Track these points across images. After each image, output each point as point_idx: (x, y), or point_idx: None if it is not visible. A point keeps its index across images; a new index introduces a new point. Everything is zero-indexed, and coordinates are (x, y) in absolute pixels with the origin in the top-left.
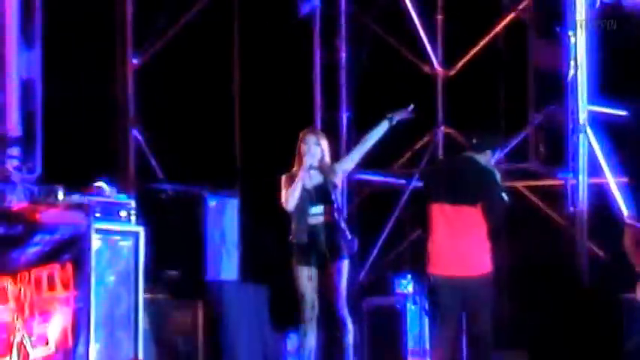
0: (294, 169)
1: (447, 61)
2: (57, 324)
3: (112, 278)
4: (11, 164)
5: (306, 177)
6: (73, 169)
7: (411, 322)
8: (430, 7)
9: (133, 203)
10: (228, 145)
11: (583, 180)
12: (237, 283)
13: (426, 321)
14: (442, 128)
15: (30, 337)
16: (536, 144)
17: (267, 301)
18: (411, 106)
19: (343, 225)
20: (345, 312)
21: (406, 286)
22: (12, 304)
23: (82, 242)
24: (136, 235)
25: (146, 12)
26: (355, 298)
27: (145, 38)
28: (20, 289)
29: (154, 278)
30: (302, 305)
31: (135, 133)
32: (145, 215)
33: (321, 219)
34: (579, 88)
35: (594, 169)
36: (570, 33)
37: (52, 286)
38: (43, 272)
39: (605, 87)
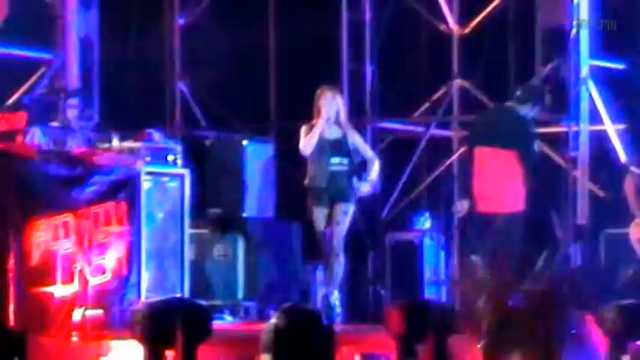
0: (313, 121)
1: (462, 20)
2: (112, 255)
3: (160, 215)
4: (71, 113)
5: (325, 127)
6: (126, 118)
7: (428, 255)
8: None
9: (179, 148)
10: (264, 96)
11: (584, 127)
12: (272, 220)
13: (442, 254)
14: (457, 81)
15: (89, 267)
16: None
17: (299, 236)
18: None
19: (355, 176)
20: (339, 246)
21: (424, 223)
22: (73, 237)
23: (134, 183)
24: (182, 176)
25: None
26: (378, 234)
27: (189, 1)
28: (80, 224)
29: (198, 215)
30: (321, 241)
31: (181, 85)
32: (190, 159)
33: (338, 168)
34: (582, 44)
35: (594, 117)
36: None
37: (108, 222)
38: (100, 209)
39: (605, 43)
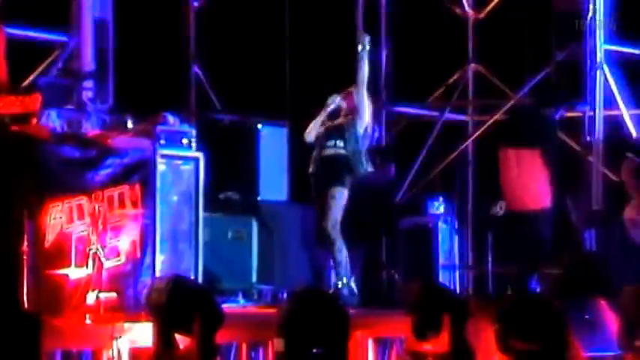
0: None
1: (478, 5)
2: (127, 238)
3: (175, 198)
4: (86, 95)
5: (325, 113)
6: (141, 101)
7: (442, 239)
8: None
9: (193, 132)
10: (278, 80)
11: (599, 112)
12: (286, 203)
13: (456, 238)
14: (472, 65)
15: (103, 249)
16: (558, 79)
17: (313, 219)
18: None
19: (355, 158)
20: (334, 232)
21: (438, 207)
22: (88, 219)
23: (148, 166)
24: (196, 160)
25: None
26: (393, 218)
27: None
28: (95, 207)
29: (212, 198)
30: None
31: (196, 69)
32: (204, 142)
33: (331, 151)
34: (597, 29)
35: (609, 102)
36: None
37: (122, 204)
38: (115, 192)
39: (620, 28)
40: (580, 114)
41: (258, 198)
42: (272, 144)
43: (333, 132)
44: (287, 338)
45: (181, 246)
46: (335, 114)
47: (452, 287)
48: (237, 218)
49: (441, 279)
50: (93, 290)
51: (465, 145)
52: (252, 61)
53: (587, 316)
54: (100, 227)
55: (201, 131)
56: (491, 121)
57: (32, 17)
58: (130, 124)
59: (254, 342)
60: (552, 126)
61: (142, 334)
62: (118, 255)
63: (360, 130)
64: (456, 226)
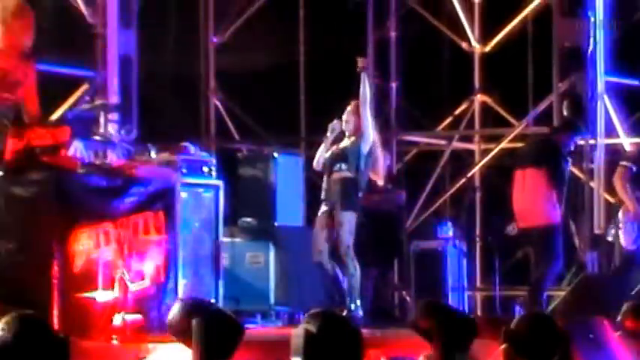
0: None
1: (483, 39)
2: (151, 262)
3: (196, 224)
4: (112, 127)
5: (328, 140)
6: (163, 132)
7: (451, 262)
8: None
9: (213, 160)
10: (294, 112)
11: (600, 140)
12: (302, 228)
13: (464, 262)
14: (478, 96)
15: (129, 273)
16: (560, 109)
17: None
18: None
19: (361, 177)
20: (347, 258)
21: (447, 231)
22: (114, 245)
23: (171, 193)
24: (216, 187)
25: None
26: (404, 241)
27: (222, 21)
28: (120, 233)
29: (232, 224)
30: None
31: (215, 101)
32: (224, 171)
33: (337, 175)
34: (598, 61)
35: (610, 131)
36: (590, 13)
37: (146, 231)
38: (139, 219)
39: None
40: (582, 142)
41: (275, 223)
42: (288, 172)
43: (337, 156)
44: (303, 358)
45: (202, 270)
46: (340, 138)
47: (461, 308)
48: (255, 243)
49: (450, 301)
50: (119, 312)
51: (472, 172)
52: (268, 94)
53: (591, 336)
54: (126, 252)
55: (221, 160)
56: (497, 149)
57: (61, 54)
58: (153, 154)
59: None
60: (557, 148)
61: (166, 354)
62: (143, 278)
63: (365, 150)
64: (464, 250)
